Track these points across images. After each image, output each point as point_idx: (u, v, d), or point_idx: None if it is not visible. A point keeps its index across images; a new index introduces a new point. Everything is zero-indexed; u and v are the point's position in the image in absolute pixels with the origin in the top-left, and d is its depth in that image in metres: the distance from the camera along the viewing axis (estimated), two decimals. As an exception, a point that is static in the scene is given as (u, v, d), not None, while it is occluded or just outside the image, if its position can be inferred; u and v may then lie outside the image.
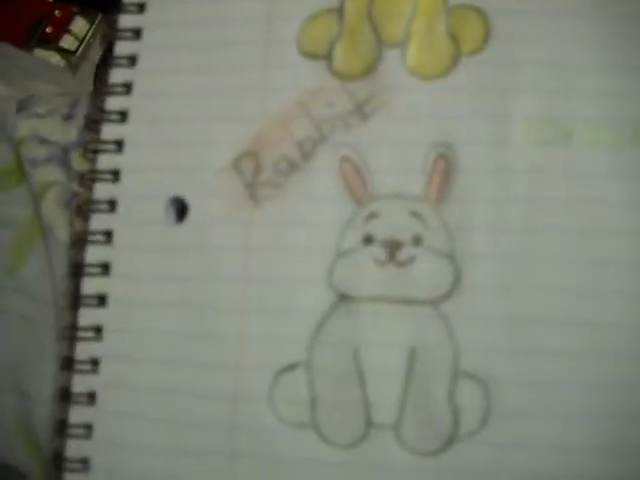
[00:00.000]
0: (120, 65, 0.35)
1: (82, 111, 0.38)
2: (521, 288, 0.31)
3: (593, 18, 0.33)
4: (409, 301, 0.31)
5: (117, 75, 0.35)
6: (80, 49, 0.44)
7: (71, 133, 0.38)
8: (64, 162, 0.37)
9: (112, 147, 0.34)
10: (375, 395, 0.31)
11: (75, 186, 0.37)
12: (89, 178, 0.34)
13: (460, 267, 0.31)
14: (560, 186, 0.31)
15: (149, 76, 0.35)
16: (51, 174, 0.37)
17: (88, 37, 0.45)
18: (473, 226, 0.31)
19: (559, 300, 0.31)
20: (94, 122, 0.35)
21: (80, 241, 0.34)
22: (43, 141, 0.38)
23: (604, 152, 0.31)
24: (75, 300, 0.34)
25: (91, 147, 0.35)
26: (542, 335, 0.30)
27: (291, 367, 0.31)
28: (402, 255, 0.32)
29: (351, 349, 0.31)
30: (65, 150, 0.37)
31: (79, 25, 0.45)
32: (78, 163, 0.37)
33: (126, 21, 0.36)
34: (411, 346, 0.31)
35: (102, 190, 0.34)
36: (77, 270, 0.34)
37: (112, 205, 0.34)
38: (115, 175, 0.34)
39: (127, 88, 0.35)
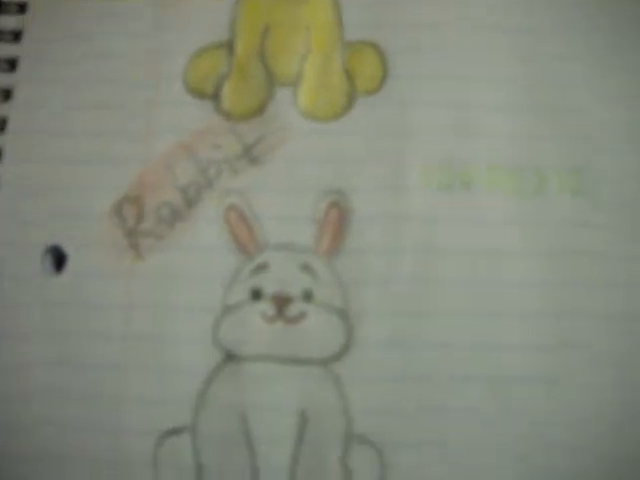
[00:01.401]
0: (-7, 99, 0.33)
1: None
2: (414, 344, 0.29)
3: (501, 56, 0.31)
4: (299, 361, 0.30)
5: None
6: None
7: None
8: None
9: (-19, 190, 0.32)
10: (264, 460, 0.29)
11: None
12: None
13: (352, 324, 0.30)
14: (455, 235, 0.30)
15: (24, 111, 0.32)
16: None
17: None
18: (366, 280, 0.30)
19: (453, 356, 0.29)
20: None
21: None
22: None
23: (503, 199, 0.30)
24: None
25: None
26: (437, 394, 0.29)
27: (175, 431, 0.30)
28: (291, 311, 0.30)
29: (239, 412, 0.30)
30: None
31: None
32: None
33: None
34: (301, 409, 0.29)
35: (-31, 237, 0.32)
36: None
37: (-21, 254, 0.31)
38: (-16, 221, 0.32)
39: (0, 125, 0.32)
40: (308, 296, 0.30)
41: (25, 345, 0.31)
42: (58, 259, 0.31)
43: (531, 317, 0.29)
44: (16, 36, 0.33)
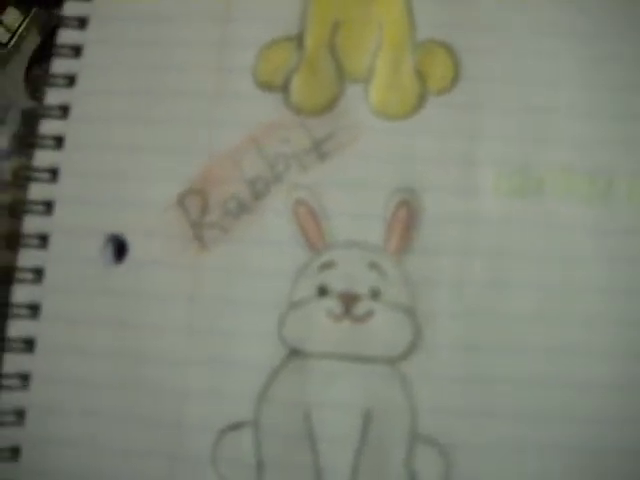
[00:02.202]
0: (57, 85, 0.32)
1: (15, 116, 0.36)
2: (486, 347, 0.29)
3: (572, 59, 0.31)
4: (365, 359, 0.29)
5: (53, 96, 0.32)
6: (12, 41, 0.41)
7: (2, 140, 0.35)
8: None
9: (45, 175, 0.31)
10: (327, 460, 0.29)
11: (6, 198, 0.34)
12: (18, 209, 0.31)
13: (420, 324, 0.29)
14: (528, 239, 0.30)
15: (88, 98, 0.32)
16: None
17: (21, 29, 0.41)
18: (436, 280, 0.30)
19: (524, 360, 0.29)
20: (25, 145, 0.32)
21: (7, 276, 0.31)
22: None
23: (576, 204, 0.30)
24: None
25: (22, 174, 0.32)
26: (506, 397, 0.29)
27: (236, 426, 0.29)
28: (359, 309, 0.30)
29: (302, 410, 0.29)
30: None
31: (12, 16, 0.41)
32: (9, 173, 0.35)
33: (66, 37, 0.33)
34: (366, 408, 0.29)
35: (33, 223, 0.31)
36: (2, 311, 0.31)
37: (43, 240, 0.31)
38: (48, 207, 0.31)
39: (64, 111, 0.32)
40: (376, 294, 0.30)
41: (84, 332, 0.30)
42: (119, 248, 0.31)
43: (602, 323, 0.29)
44: (82, 22, 0.33)
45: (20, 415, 0.30)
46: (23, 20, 0.41)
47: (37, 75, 0.37)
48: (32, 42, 0.40)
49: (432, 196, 0.30)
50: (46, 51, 0.38)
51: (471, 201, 0.30)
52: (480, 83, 0.31)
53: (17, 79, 0.38)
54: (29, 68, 0.39)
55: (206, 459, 0.29)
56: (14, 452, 0.30)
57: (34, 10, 0.41)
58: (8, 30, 0.41)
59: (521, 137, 0.31)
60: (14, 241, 0.31)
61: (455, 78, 0.31)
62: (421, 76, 0.31)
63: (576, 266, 0.30)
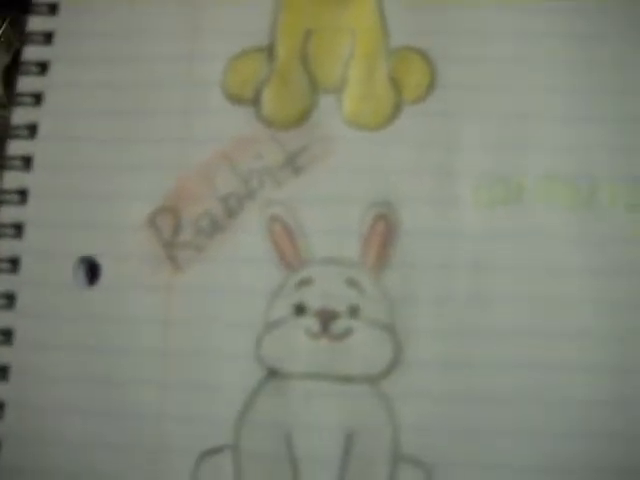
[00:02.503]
0: (24, 104, 0.31)
1: None
2: (468, 364, 0.29)
3: (550, 64, 0.31)
4: (345, 379, 0.29)
5: (20, 115, 0.31)
6: None
7: None
8: None
9: (15, 197, 0.31)
10: (309, 482, 0.28)
11: None
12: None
13: (401, 341, 0.29)
14: (511, 251, 0.29)
15: (56, 117, 0.32)
16: None
17: None
18: (416, 296, 0.29)
19: (509, 376, 0.29)
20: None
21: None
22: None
23: (559, 212, 0.29)
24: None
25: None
26: (489, 415, 0.28)
27: (216, 450, 0.29)
28: (337, 327, 0.29)
29: (282, 432, 0.29)
30: None
31: None
32: None
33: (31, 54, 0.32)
34: (348, 428, 0.29)
35: (4, 247, 0.31)
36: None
37: (14, 264, 0.31)
38: (18, 229, 0.31)
39: (31, 131, 0.31)
40: (354, 312, 0.29)
41: (57, 358, 0.30)
42: (92, 271, 0.31)
43: (588, 337, 0.29)
44: (47, 38, 0.32)
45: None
46: None
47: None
48: (2, 61, 0.39)
49: (409, 209, 0.30)
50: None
51: (450, 213, 0.30)
52: (457, 91, 0.31)
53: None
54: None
55: None
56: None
57: (7, 21, 0.41)
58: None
59: (500, 145, 0.30)
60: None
61: (431, 86, 0.31)
62: (395, 84, 0.31)
63: (561, 277, 0.29)
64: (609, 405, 0.28)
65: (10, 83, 0.37)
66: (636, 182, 0.30)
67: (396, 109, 0.31)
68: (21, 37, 0.34)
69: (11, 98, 0.32)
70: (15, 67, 0.37)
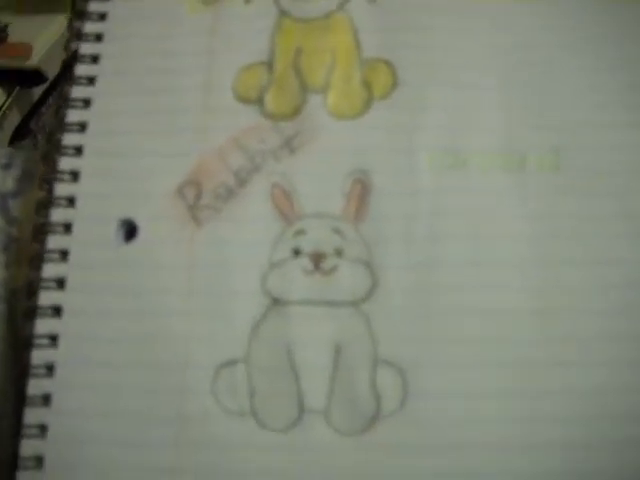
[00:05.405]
0: (75, 107, 0.40)
1: (18, 162, 0.42)
2: (430, 288, 0.36)
3: (493, 64, 0.40)
4: (333, 303, 0.36)
5: (73, 115, 0.40)
6: None
7: (9, 182, 0.41)
8: (3, 209, 0.41)
9: (68, 177, 0.39)
10: (306, 385, 0.35)
11: (14, 231, 0.40)
12: (44, 205, 0.38)
13: (377, 273, 0.36)
14: (458, 202, 0.37)
15: (102, 117, 0.40)
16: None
17: (4, 108, 0.46)
18: (387, 239, 0.37)
19: (463, 294, 0.36)
20: (49, 155, 0.39)
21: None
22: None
23: (495, 175, 0.38)
24: (31, 311, 0.37)
25: (47, 177, 0.39)
26: (449, 324, 0.36)
27: (231, 362, 0.35)
28: (326, 265, 0.37)
29: (284, 346, 0.36)
30: (3, 197, 0.41)
31: None
32: (16, 209, 0.41)
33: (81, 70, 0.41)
34: (336, 342, 0.36)
35: (58, 214, 0.38)
36: (33, 286, 0.37)
37: (67, 227, 0.38)
38: (70, 201, 0.38)
39: (82, 127, 0.39)
40: (339, 253, 0.37)
41: (104, 299, 0.37)
42: (130, 230, 0.38)
43: (521, 263, 0.36)
44: (94, 59, 0.41)
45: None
46: (6, 99, 0.46)
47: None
48: (13, 120, 0.46)
49: (380, 175, 0.38)
50: (26, 128, 0.45)
51: (411, 177, 0.38)
52: (414, 88, 0.39)
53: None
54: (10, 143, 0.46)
55: (208, 391, 0.35)
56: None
57: (17, 90, 0.47)
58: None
59: (449, 127, 0.38)
60: (41, 232, 0.38)
61: (394, 85, 0.39)
62: (367, 85, 0.40)
63: (498, 218, 0.37)
64: (535, 315, 0.36)
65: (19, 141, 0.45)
66: (555, 151, 0.38)
67: (368, 104, 0.39)
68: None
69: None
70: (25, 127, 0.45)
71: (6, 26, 0.48)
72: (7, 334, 0.38)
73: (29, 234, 0.39)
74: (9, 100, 0.46)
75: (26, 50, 0.46)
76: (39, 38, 0.47)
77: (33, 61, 0.46)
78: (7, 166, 0.42)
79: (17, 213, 0.41)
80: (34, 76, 0.45)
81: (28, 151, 0.44)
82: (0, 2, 0.49)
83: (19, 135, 0.46)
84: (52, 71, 0.46)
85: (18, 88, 0.47)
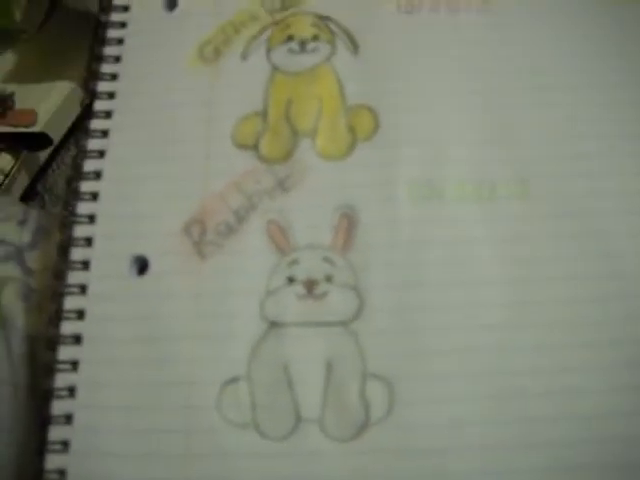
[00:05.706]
0: (92, 157, 0.44)
1: (34, 218, 0.45)
2: (411, 307, 0.40)
3: (463, 102, 0.44)
4: (324, 324, 0.40)
5: (90, 165, 0.44)
6: (4, 183, 0.48)
7: (25, 236, 0.44)
8: (20, 261, 0.43)
9: (86, 220, 0.43)
10: (302, 397, 0.38)
11: (31, 282, 0.43)
12: (64, 246, 0.42)
13: (363, 296, 0.40)
14: (435, 230, 0.41)
15: (115, 166, 0.44)
16: (9, 271, 0.43)
17: (13, 172, 0.48)
18: (372, 265, 0.41)
19: (440, 313, 0.40)
20: (68, 201, 0.43)
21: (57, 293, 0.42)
22: (1, 242, 0.44)
23: (468, 204, 0.42)
24: (54, 341, 0.41)
25: (66, 221, 0.43)
26: (431, 339, 0.39)
27: (234, 380, 0.39)
28: (318, 290, 0.40)
29: (281, 364, 0.39)
30: (20, 250, 0.43)
31: (4, 160, 0.49)
32: (32, 261, 0.44)
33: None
34: (328, 358, 0.39)
35: (77, 253, 0.42)
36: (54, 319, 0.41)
37: (85, 265, 0.42)
38: (88, 241, 0.42)
39: (97, 175, 0.44)
40: (329, 279, 0.40)
41: (120, 326, 0.41)
42: (142, 265, 0.42)
43: (494, 282, 0.40)
44: (108, 114, 0.46)
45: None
46: (14, 164, 0.49)
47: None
48: (21, 183, 0.49)
49: (364, 209, 0.42)
50: (33, 191, 0.49)
51: (392, 209, 0.42)
52: (393, 130, 0.43)
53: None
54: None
55: (213, 406, 0.39)
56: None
57: (24, 154, 0.49)
58: (1, 172, 0.48)
59: (426, 162, 0.43)
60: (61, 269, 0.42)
61: (375, 128, 0.44)
62: (351, 129, 0.44)
63: (470, 244, 0.41)
64: (511, 328, 0.39)
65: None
66: (523, 182, 0.42)
67: (352, 146, 0.43)
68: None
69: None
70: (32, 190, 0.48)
71: (12, 94, 0.50)
72: (28, 382, 0.41)
73: (46, 284, 0.42)
74: (17, 164, 0.48)
75: (31, 116, 0.49)
76: (43, 104, 0.50)
77: (38, 126, 0.49)
78: (23, 222, 0.45)
79: (33, 264, 0.43)
80: (40, 140, 0.48)
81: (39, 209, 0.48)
82: (5, 74, 0.52)
83: (27, 197, 0.49)
84: (56, 135, 0.50)
85: (25, 152, 0.49)
